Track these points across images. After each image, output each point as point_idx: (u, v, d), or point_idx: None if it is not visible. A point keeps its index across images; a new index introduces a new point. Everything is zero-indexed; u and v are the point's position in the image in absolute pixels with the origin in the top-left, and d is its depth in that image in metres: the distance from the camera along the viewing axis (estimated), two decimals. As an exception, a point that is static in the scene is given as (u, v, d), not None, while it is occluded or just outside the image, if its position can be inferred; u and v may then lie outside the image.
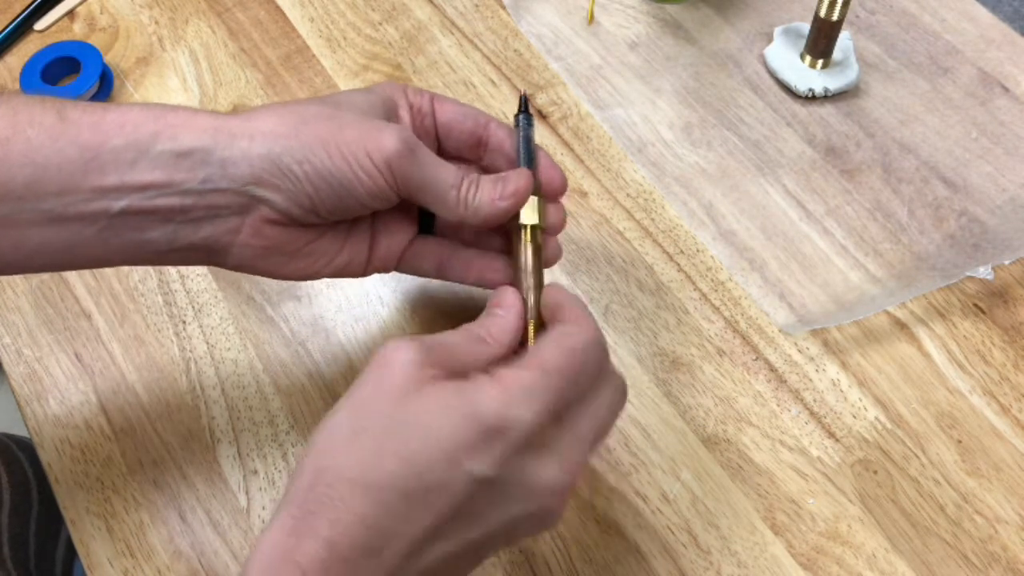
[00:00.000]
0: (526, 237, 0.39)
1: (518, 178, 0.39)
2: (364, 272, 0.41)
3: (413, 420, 0.31)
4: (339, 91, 0.39)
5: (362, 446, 0.30)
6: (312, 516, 0.30)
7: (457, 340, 0.34)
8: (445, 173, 0.38)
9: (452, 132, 0.41)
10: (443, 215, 0.39)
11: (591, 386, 0.34)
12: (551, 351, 0.33)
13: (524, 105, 0.42)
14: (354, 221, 0.40)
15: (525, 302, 0.38)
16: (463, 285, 0.44)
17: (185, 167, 0.35)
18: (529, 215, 0.39)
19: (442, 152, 0.42)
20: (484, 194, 0.38)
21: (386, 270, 0.42)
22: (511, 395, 0.31)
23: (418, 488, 0.30)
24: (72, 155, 0.34)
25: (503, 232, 0.42)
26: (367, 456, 0.30)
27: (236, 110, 0.57)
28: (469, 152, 0.42)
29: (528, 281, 0.39)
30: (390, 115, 0.39)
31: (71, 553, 0.68)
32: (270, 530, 0.31)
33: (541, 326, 0.37)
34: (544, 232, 0.40)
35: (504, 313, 0.36)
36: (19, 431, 0.73)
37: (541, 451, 0.32)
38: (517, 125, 0.41)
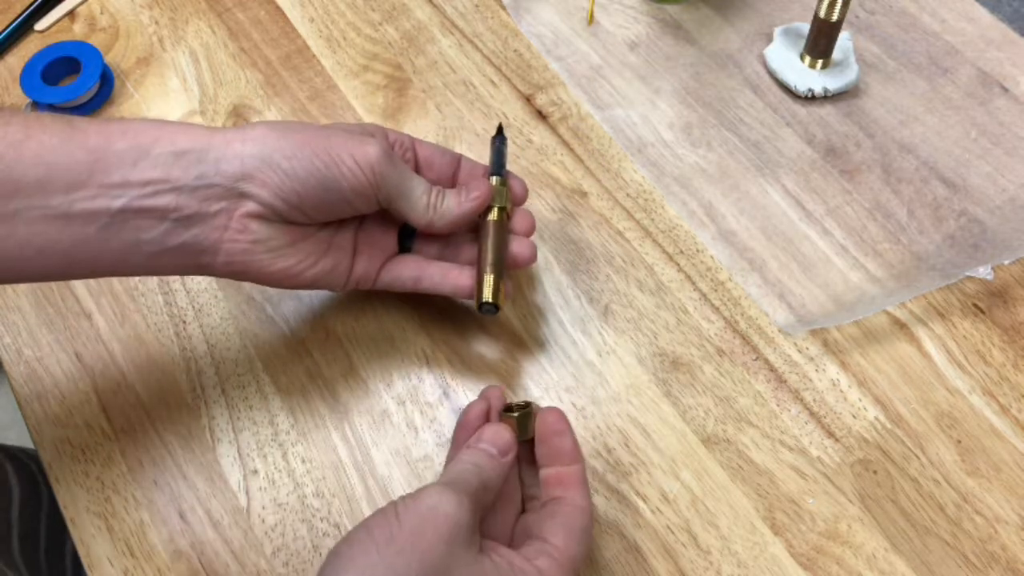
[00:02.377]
0: (492, 215, 0.45)
1: (479, 184, 0.44)
2: (345, 284, 0.44)
3: None
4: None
5: None
6: None
7: (475, 484, 0.36)
8: (417, 182, 0.43)
9: (433, 165, 0.46)
10: (414, 220, 0.43)
11: None
12: (579, 550, 0.37)
13: (500, 130, 0.49)
14: (338, 230, 0.43)
15: (481, 272, 0.44)
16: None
17: (181, 165, 0.38)
18: (496, 200, 0.45)
19: None
20: (450, 199, 0.43)
21: (367, 284, 0.45)
22: None
23: None
24: (80, 156, 0.37)
25: (468, 238, 0.47)
26: None
27: (236, 110, 0.57)
28: (444, 181, 0.46)
29: (489, 242, 0.44)
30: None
31: None
32: None
33: (495, 294, 0.43)
34: (510, 219, 0.46)
35: (502, 458, 0.39)
36: (14, 436, 0.73)
37: None
38: (493, 143, 0.48)
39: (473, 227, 0.46)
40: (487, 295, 0.43)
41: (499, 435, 0.39)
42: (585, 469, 0.40)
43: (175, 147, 0.38)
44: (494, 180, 0.46)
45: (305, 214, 0.41)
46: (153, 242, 0.39)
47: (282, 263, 0.41)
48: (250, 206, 0.39)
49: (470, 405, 0.41)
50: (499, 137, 0.48)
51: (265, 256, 0.40)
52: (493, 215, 0.45)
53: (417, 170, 0.46)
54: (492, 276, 0.43)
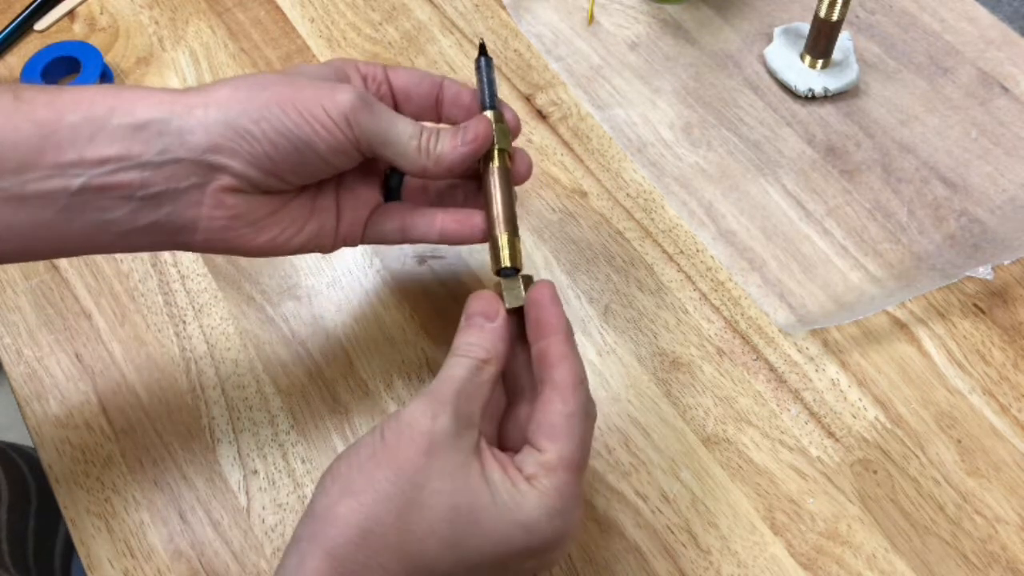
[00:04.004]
0: (493, 162, 0.41)
1: (478, 124, 0.40)
2: (332, 244, 0.41)
3: (463, 515, 0.32)
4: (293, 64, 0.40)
5: (412, 524, 0.32)
6: (358, 574, 0.31)
7: (463, 375, 0.35)
8: (403, 125, 0.38)
9: (410, 96, 0.42)
10: (406, 167, 0.39)
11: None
12: (570, 446, 0.34)
13: (483, 49, 0.44)
14: (319, 189, 0.40)
15: (494, 233, 0.40)
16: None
17: (142, 139, 0.35)
18: (496, 140, 0.41)
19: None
20: (445, 142, 0.39)
21: (354, 241, 0.42)
22: (555, 508, 0.33)
23: (462, 573, 0.32)
24: (28, 132, 0.34)
25: (465, 188, 0.43)
26: (416, 535, 0.32)
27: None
28: (427, 113, 0.43)
29: (498, 197, 0.40)
30: (342, 82, 0.40)
31: (69, 549, 0.68)
32: (306, 569, 0.31)
33: (514, 256, 0.39)
34: (512, 160, 0.42)
35: (489, 323, 0.37)
36: (13, 437, 0.74)
37: (567, 539, 0.34)
38: (479, 68, 0.43)
39: (471, 171, 0.42)
40: (505, 259, 0.39)
41: (479, 301, 0.37)
42: (567, 338, 0.36)
43: (133, 118, 0.35)
44: (488, 115, 0.41)
45: (282, 180, 0.37)
46: (121, 221, 0.36)
47: (266, 235, 0.38)
48: (224, 180, 0.36)
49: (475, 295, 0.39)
50: (484, 59, 0.43)
51: (247, 231, 0.38)
52: (495, 160, 0.41)
53: (395, 106, 0.42)
54: (507, 235, 0.39)
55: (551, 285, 0.38)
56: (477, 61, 0.43)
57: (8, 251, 0.36)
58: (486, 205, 0.41)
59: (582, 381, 0.36)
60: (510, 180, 0.41)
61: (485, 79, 0.42)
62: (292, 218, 0.39)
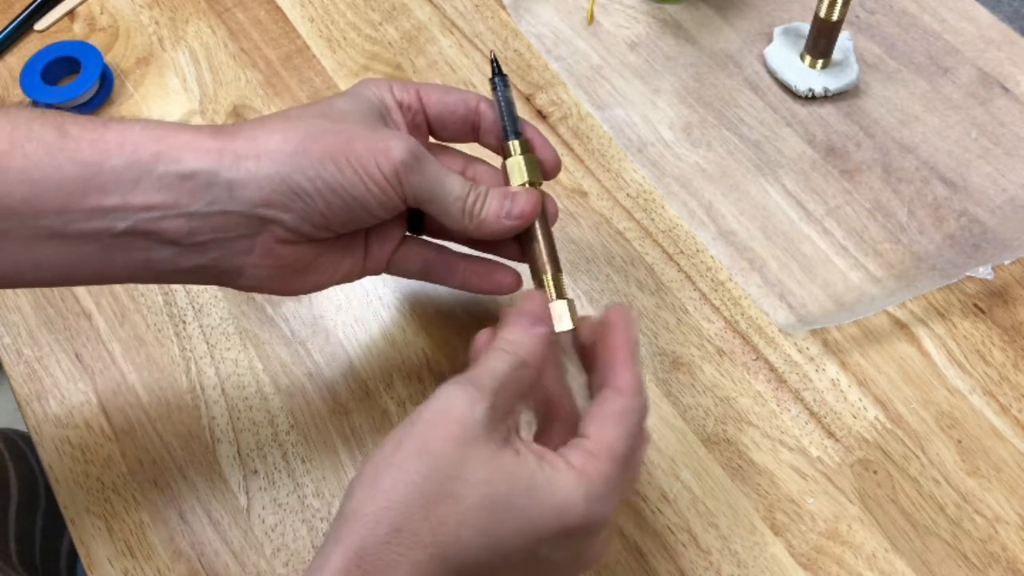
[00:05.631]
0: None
1: (528, 199, 0.39)
2: (359, 277, 0.42)
3: (500, 502, 0.31)
4: (328, 98, 0.39)
5: (446, 516, 0.30)
6: (384, 572, 0.30)
7: (505, 369, 0.34)
8: (451, 184, 0.38)
9: (446, 123, 0.41)
10: (447, 225, 0.39)
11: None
12: (617, 437, 0.33)
13: (496, 67, 0.42)
14: (352, 233, 0.40)
15: (539, 273, 0.39)
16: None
17: (188, 189, 0.34)
18: (528, 172, 0.40)
19: (437, 138, 0.42)
20: (491, 209, 0.39)
21: (377, 272, 0.42)
22: (593, 491, 0.32)
23: (494, 565, 0.31)
24: (71, 172, 0.33)
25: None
26: (450, 528, 0.30)
27: (236, 110, 0.57)
28: (464, 137, 0.42)
29: (536, 233, 0.40)
30: (385, 121, 0.39)
31: (75, 549, 0.68)
32: (329, 569, 0.30)
33: (560, 291, 0.39)
34: (541, 188, 0.41)
35: (535, 327, 0.36)
36: (22, 427, 0.73)
37: (602, 531, 0.33)
38: (494, 88, 0.42)
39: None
40: (552, 297, 0.39)
41: (531, 302, 0.36)
42: (631, 346, 0.36)
43: (180, 167, 0.34)
44: (515, 146, 0.40)
45: (331, 230, 0.37)
46: (165, 262, 0.36)
47: (310, 280, 0.39)
48: (276, 231, 0.36)
49: (481, 332, 0.37)
50: (500, 78, 0.41)
51: (291, 277, 0.38)
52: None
53: (430, 131, 0.42)
54: (550, 273, 0.39)
55: (625, 309, 0.37)
56: (492, 80, 0.42)
57: (48, 280, 0.36)
58: (526, 242, 0.40)
59: (642, 390, 0.35)
60: (546, 214, 0.40)
61: (502, 100, 0.41)
62: (330, 261, 0.39)
